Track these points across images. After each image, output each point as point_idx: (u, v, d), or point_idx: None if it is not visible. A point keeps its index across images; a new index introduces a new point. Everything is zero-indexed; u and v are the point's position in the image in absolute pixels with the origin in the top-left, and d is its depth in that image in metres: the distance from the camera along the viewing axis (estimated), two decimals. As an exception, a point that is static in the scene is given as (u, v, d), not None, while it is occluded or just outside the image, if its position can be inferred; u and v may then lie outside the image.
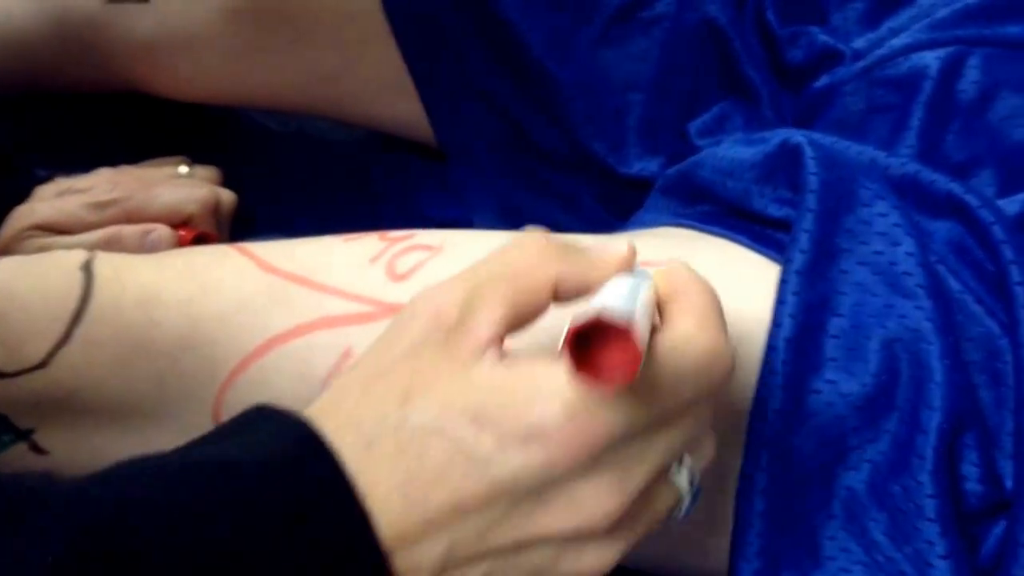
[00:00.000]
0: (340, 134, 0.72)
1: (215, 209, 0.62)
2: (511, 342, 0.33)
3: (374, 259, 0.43)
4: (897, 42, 0.53)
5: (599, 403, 0.30)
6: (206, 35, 0.62)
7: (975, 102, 0.48)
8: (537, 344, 0.34)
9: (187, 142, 0.68)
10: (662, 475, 0.33)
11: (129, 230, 0.57)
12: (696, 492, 0.34)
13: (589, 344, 0.28)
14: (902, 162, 0.44)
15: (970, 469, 0.38)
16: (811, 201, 0.42)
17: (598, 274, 0.33)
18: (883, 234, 0.41)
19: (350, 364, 0.39)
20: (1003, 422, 0.39)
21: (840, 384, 0.39)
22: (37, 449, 0.41)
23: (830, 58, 0.56)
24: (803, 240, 0.41)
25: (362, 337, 0.40)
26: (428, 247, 0.43)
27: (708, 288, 0.34)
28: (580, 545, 0.32)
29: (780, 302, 0.40)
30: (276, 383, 0.40)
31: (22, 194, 0.59)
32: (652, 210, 0.52)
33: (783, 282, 0.40)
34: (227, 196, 0.64)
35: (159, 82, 0.65)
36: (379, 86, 0.64)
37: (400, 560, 0.30)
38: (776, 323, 0.40)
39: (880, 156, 0.44)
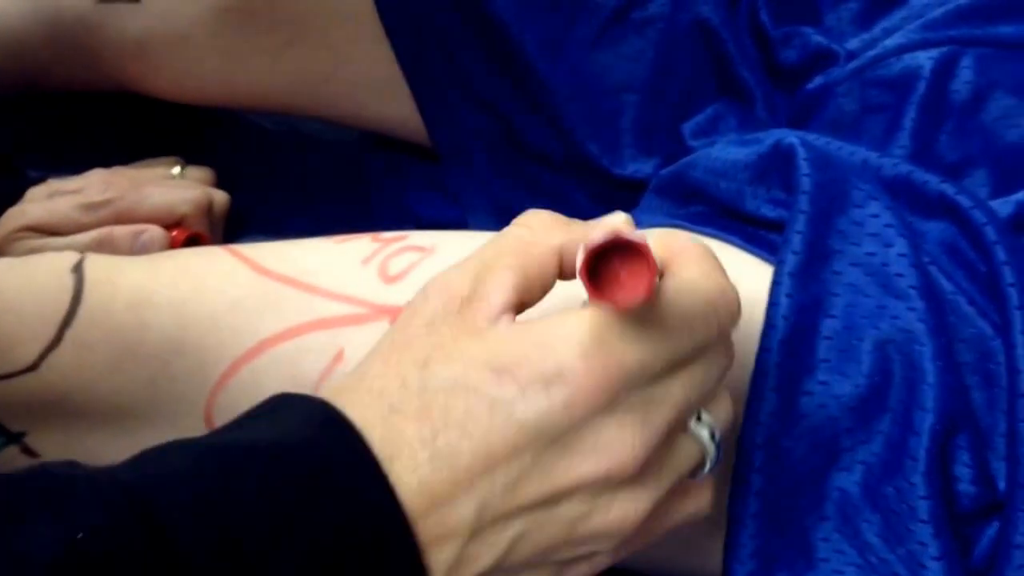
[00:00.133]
0: (333, 134, 0.72)
1: (208, 210, 0.62)
2: (523, 317, 0.33)
3: (366, 260, 0.43)
4: (890, 42, 0.53)
5: (614, 341, 0.31)
6: (197, 35, 0.62)
7: (968, 102, 0.48)
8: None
9: (180, 143, 0.68)
10: (683, 424, 0.33)
11: (121, 231, 0.57)
12: (718, 449, 0.34)
13: (600, 278, 0.29)
14: (895, 163, 0.44)
15: (963, 470, 0.38)
16: (804, 202, 0.42)
17: None
18: (875, 235, 0.41)
19: (342, 366, 0.40)
20: (996, 423, 0.39)
21: (833, 385, 0.39)
22: (29, 452, 0.41)
23: (824, 59, 0.56)
24: (796, 241, 0.41)
25: (355, 339, 0.40)
26: (421, 248, 0.43)
27: (705, 246, 0.35)
28: (610, 494, 0.32)
29: (773, 304, 0.40)
30: (268, 385, 0.40)
31: (14, 196, 0.59)
32: (646, 211, 0.52)
33: (776, 284, 0.40)
34: (220, 197, 0.64)
35: (151, 82, 0.65)
36: (372, 87, 0.64)
37: (432, 524, 0.30)
38: (769, 325, 0.40)
39: (873, 157, 0.44)
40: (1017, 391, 0.38)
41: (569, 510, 0.32)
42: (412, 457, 0.30)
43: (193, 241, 0.60)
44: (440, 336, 0.32)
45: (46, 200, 0.59)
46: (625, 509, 0.32)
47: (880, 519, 0.39)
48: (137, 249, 0.57)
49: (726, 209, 0.46)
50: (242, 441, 0.30)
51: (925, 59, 0.49)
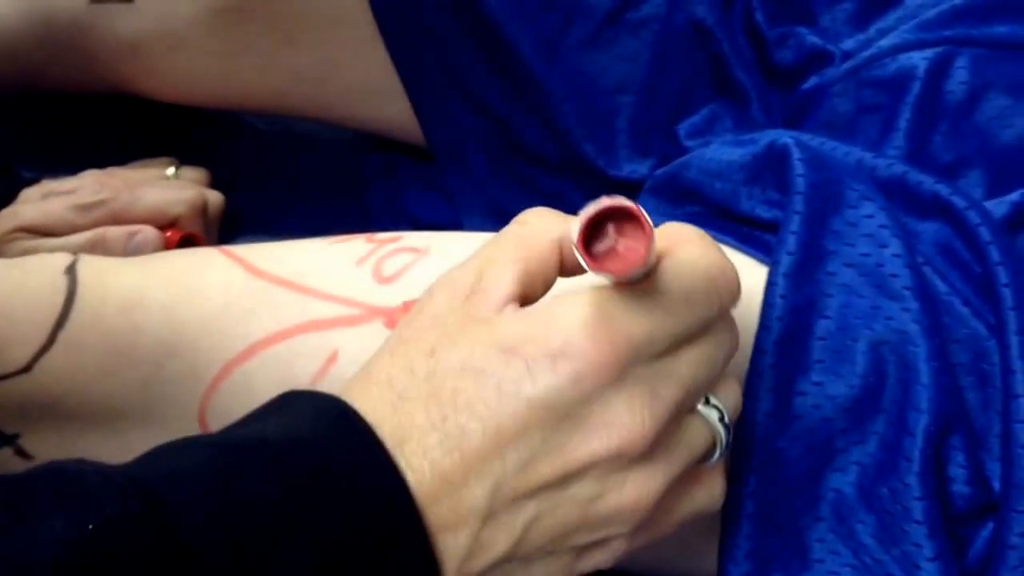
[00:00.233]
0: (328, 135, 0.72)
1: (202, 211, 0.62)
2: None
3: (361, 261, 0.43)
4: (885, 43, 0.53)
5: (618, 315, 0.31)
6: (190, 36, 0.62)
7: (963, 103, 0.48)
8: None
9: (174, 143, 0.68)
10: (691, 405, 0.34)
11: (114, 232, 0.57)
12: (728, 431, 0.35)
13: (598, 254, 0.30)
14: (889, 163, 0.44)
15: (957, 471, 0.38)
16: (798, 203, 0.42)
17: None
18: (870, 236, 0.41)
19: (336, 368, 0.40)
20: (990, 424, 0.39)
21: (827, 386, 0.39)
22: (22, 454, 0.41)
23: (819, 59, 0.56)
24: (790, 242, 0.41)
25: (349, 340, 0.40)
26: (415, 249, 0.43)
27: (702, 231, 0.35)
28: (623, 472, 0.32)
29: (768, 305, 0.40)
30: (262, 387, 0.40)
31: (7, 196, 0.59)
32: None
33: (771, 284, 0.40)
34: (214, 197, 0.64)
35: (145, 83, 0.65)
36: (367, 88, 0.63)
37: (445, 509, 0.30)
38: (763, 326, 0.40)
39: (867, 157, 0.44)
40: (1012, 392, 0.38)
41: (582, 490, 0.32)
42: (422, 441, 0.31)
43: (187, 242, 0.60)
44: (446, 327, 0.33)
45: (40, 201, 0.59)
46: (638, 488, 0.32)
47: (875, 520, 0.39)
48: (131, 250, 0.57)
49: (721, 210, 0.46)
50: (252, 437, 0.31)
51: (920, 59, 0.49)
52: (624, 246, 0.30)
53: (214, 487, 0.29)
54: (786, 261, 0.41)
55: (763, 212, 0.44)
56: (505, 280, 0.33)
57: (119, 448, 0.41)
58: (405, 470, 0.30)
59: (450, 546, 0.31)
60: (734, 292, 0.34)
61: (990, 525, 0.38)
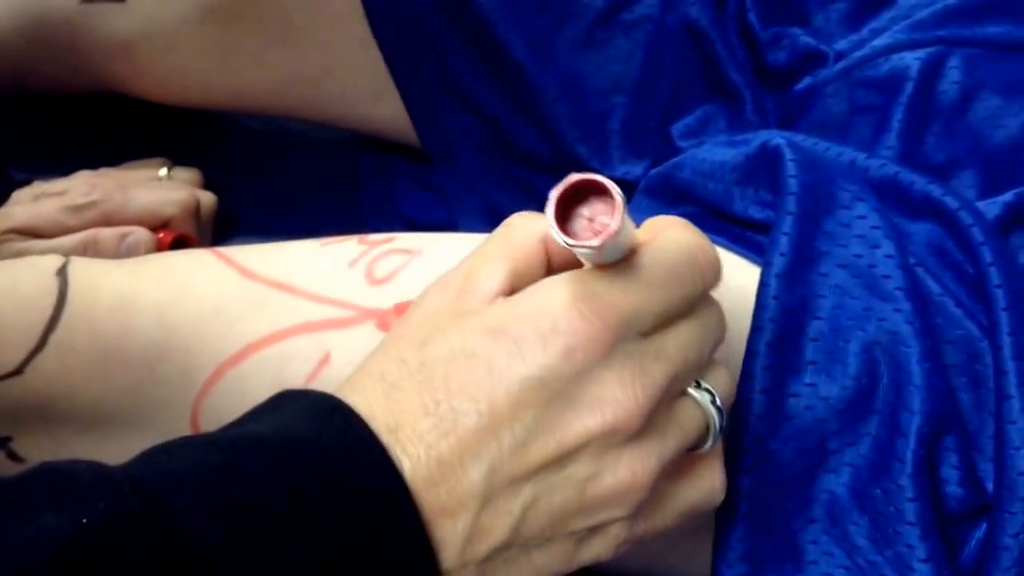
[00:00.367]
0: (322, 135, 0.72)
1: (195, 212, 0.62)
2: None
3: (353, 263, 0.43)
4: (878, 43, 0.53)
5: (604, 291, 0.32)
6: (183, 36, 0.62)
7: (956, 103, 0.48)
8: None
9: (167, 144, 0.68)
10: (681, 385, 0.34)
11: (106, 233, 0.57)
12: (721, 415, 0.35)
13: (573, 235, 0.30)
14: (882, 164, 0.44)
15: (950, 472, 0.38)
16: (790, 203, 0.41)
17: None
18: (862, 237, 0.41)
19: (328, 369, 0.40)
20: (983, 425, 0.39)
21: (820, 387, 0.39)
22: (14, 457, 0.41)
23: (812, 60, 0.56)
24: (782, 243, 0.41)
25: (341, 342, 0.40)
26: (407, 251, 0.43)
27: (681, 218, 0.35)
28: (617, 451, 0.32)
29: (760, 306, 0.40)
30: (254, 390, 0.39)
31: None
32: (634, 211, 0.52)
33: (763, 285, 0.40)
34: (207, 198, 0.64)
35: (137, 83, 0.65)
36: (360, 88, 0.63)
37: (443, 494, 0.31)
38: (756, 327, 0.40)
39: (860, 158, 0.44)
40: (1004, 393, 0.38)
41: (578, 470, 0.32)
42: (416, 427, 0.31)
43: (180, 243, 0.60)
44: (437, 321, 0.33)
45: (31, 202, 0.59)
46: (633, 466, 0.32)
47: (868, 521, 0.39)
48: (123, 252, 0.57)
49: (714, 210, 0.46)
50: (248, 435, 0.31)
51: (913, 60, 0.49)
52: (599, 223, 0.30)
53: (212, 485, 0.29)
54: (779, 262, 0.41)
55: (756, 213, 0.44)
56: (494, 277, 0.34)
57: (112, 451, 0.40)
58: (400, 457, 0.30)
59: (449, 531, 0.31)
60: (716, 271, 0.35)
61: (983, 526, 0.39)
